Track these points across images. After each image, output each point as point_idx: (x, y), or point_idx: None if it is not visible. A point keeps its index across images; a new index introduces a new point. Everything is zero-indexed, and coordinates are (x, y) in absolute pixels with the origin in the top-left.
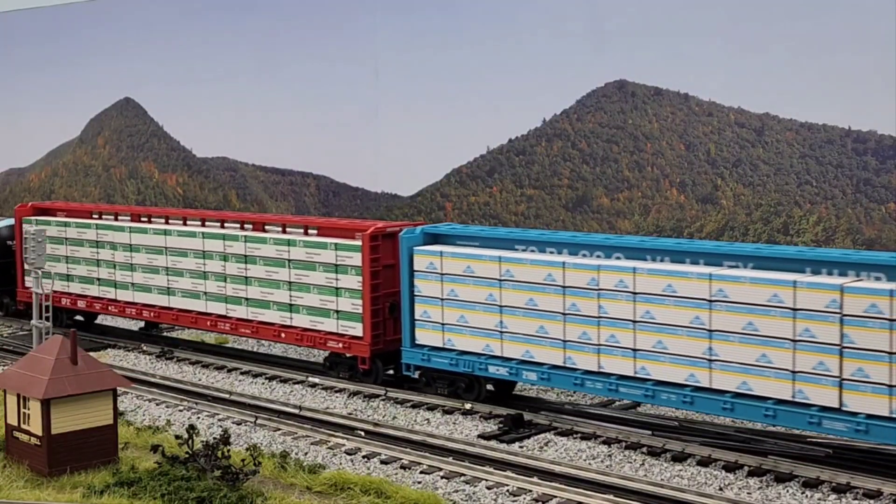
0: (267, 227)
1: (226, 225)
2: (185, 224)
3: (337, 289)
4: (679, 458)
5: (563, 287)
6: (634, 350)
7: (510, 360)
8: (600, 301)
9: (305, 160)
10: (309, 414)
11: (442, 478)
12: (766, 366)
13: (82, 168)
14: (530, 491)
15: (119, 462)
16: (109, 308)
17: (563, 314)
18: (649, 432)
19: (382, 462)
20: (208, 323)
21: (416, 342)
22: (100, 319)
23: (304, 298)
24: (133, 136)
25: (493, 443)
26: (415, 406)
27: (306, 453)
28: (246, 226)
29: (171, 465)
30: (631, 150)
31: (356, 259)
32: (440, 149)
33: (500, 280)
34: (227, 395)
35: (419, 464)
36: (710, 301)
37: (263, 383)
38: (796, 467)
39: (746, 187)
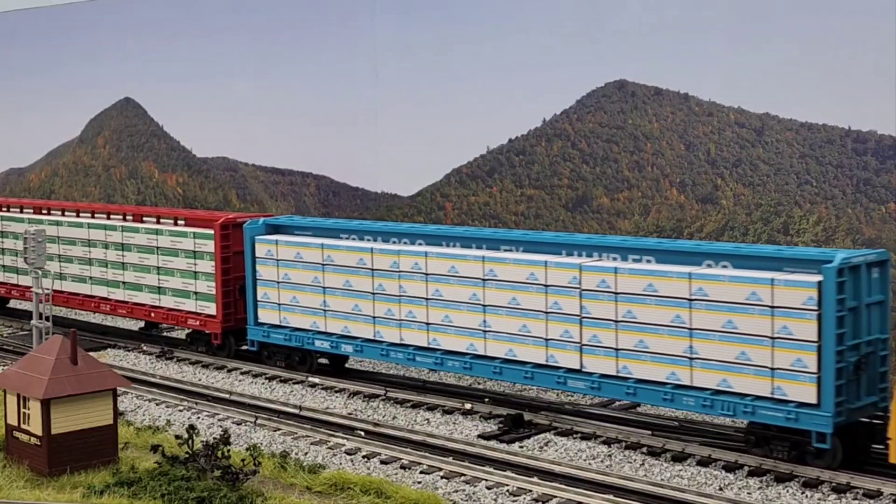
0: (145, 219)
1: (111, 216)
2: (77, 216)
3: (195, 273)
4: (679, 458)
5: (372, 269)
6: (428, 323)
7: (332, 335)
8: (401, 281)
9: (305, 160)
10: (309, 414)
11: (442, 478)
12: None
13: (82, 168)
14: (530, 491)
15: (119, 462)
16: (12, 293)
17: (373, 293)
18: (649, 432)
19: (382, 462)
20: (93, 305)
21: (259, 321)
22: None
23: (170, 282)
24: (133, 136)
25: (493, 443)
26: (415, 406)
27: (306, 453)
28: (128, 217)
29: (171, 465)
30: (631, 150)
31: (210, 246)
32: (440, 149)
33: (323, 265)
34: (227, 395)
35: (419, 464)
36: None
37: (263, 383)
38: (796, 467)
39: (746, 187)
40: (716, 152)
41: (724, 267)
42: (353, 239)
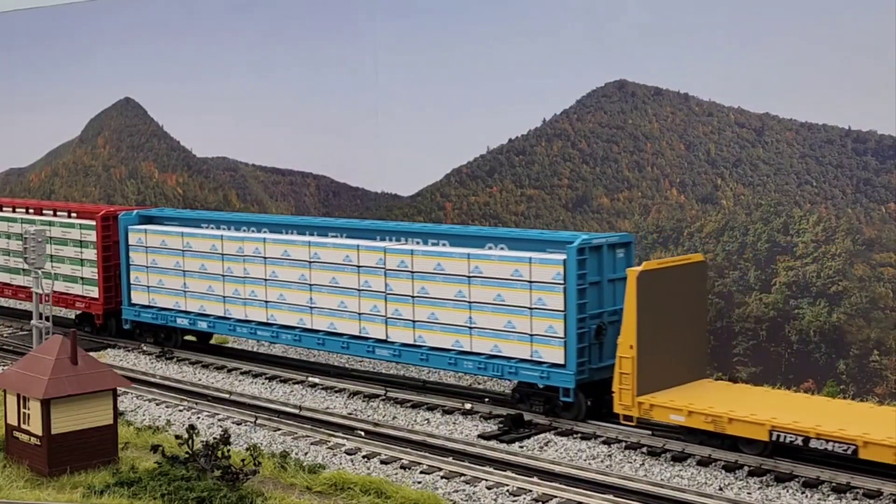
0: (44, 212)
1: (15, 210)
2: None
3: (82, 260)
4: (679, 458)
5: (222, 255)
6: (266, 301)
7: (190, 313)
8: (245, 265)
9: (305, 160)
10: (309, 414)
11: (442, 478)
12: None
13: (82, 168)
14: (530, 491)
15: (119, 462)
16: None
17: (223, 276)
18: (649, 432)
19: (382, 462)
20: None
21: (132, 302)
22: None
23: (61, 268)
24: (133, 136)
25: (493, 443)
26: (415, 406)
27: (306, 453)
28: (30, 210)
29: (171, 465)
30: (631, 150)
31: (93, 236)
32: (440, 149)
33: (183, 251)
34: (227, 395)
35: (419, 464)
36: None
37: (263, 383)
38: (796, 467)
39: (746, 187)
40: (716, 152)
41: (502, 248)
42: (211, 228)
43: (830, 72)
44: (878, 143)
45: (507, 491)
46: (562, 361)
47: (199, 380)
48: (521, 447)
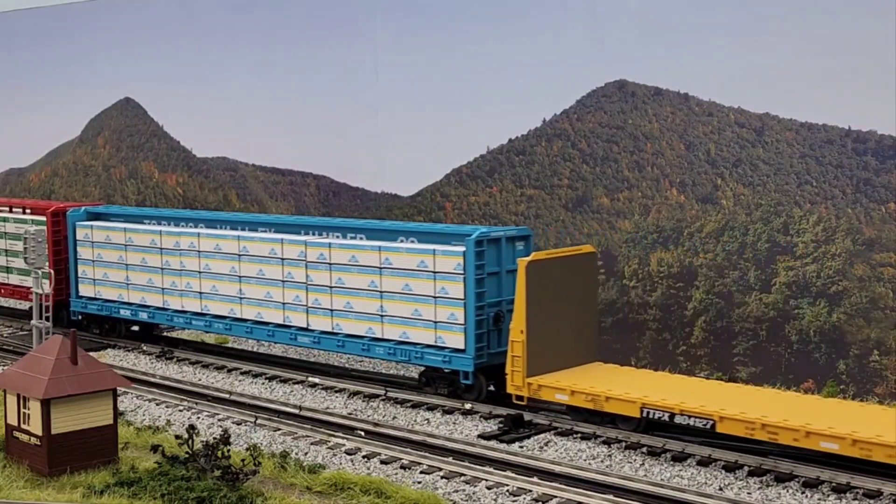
0: (0, 208)
1: None
2: None
3: None
4: (679, 458)
5: (161, 249)
6: (201, 293)
7: (132, 304)
8: (181, 258)
9: (305, 160)
10: (309, 414)
11: (442, 478)
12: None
13: (82, 168)
14: (530, 491)
15: (119, 462)
16: None
17: (162, 269)
18: (649, 433)
19: (382, 462)
20: None
21: (79, 294)
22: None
23: (16, 262)
24: (133, 136)
25: (493, 443)
26: (415, 406)
27: (306, 453)
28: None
29: (171, 465)
30: (631, 150)
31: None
32: (440, 149)
33: (126, 245)
34: (227, 395)
35: (419, 464)
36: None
37: (263, 383)
38: (796, 467)
39: (746, 187)
40: (716, 152)
41: (412, 241)
42: (153, 224)
43: (830, 72)
44: (878, 143)
45: (507, 491)
46: (462, 347)
47: (199, 380)
48: (521, 447)
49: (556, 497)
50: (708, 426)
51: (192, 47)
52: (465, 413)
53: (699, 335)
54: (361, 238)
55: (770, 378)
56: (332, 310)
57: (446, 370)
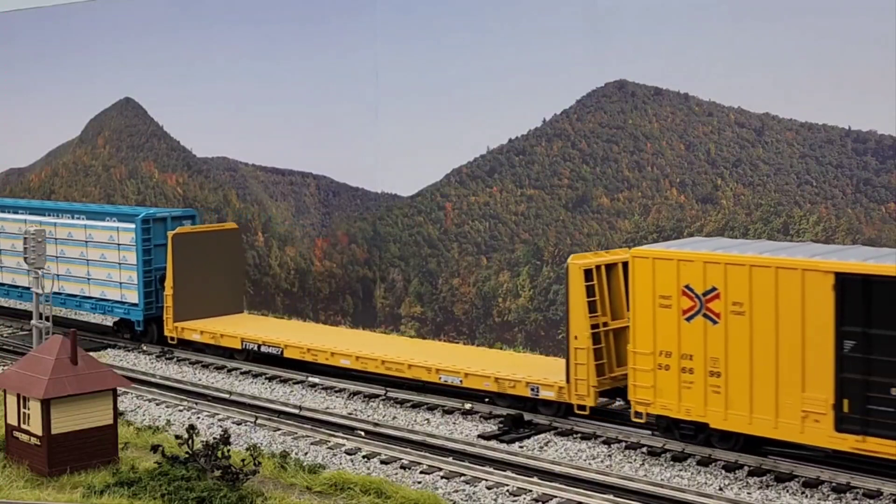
0: None
1: None
2: None
3: None
4: (679, 458)
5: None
6: None
7: (4, 285)
8: None
9: (305, 160)
10: (309, 414)
11: (442, 478)
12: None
13: (82, 168)
14: (530, 491)
15: (119, 462)
16: None
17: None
18: (649, 432)
19: (382, 462)
20: None
21: None
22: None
23: None
24: (133, 136)
25: (493, 443)
26: (415, 406)
27: (306, 453)
28: None
29: (171, 465)
30: (631, 150)
31: None
32: (440, 149)
33: None
34: (227, 395)
35: (419, 464)
36: None
37: (263, 383)
38: (796, 467)
39: (746, 187)
40: (716, 152)
41: (113, 220)
42: (22, 213)
43: (830, 72)
44: (878, 143)
45: (507, 491)
46: (136, 302)
47: (199, 380)
48: (521, 447)
49: (556, 497)
50: (279, 353)
51: (192, 47)
52: (465, 413)
53: None
54: (82, 218)
55: None
56: (57, 275)
57: (130, 320)
